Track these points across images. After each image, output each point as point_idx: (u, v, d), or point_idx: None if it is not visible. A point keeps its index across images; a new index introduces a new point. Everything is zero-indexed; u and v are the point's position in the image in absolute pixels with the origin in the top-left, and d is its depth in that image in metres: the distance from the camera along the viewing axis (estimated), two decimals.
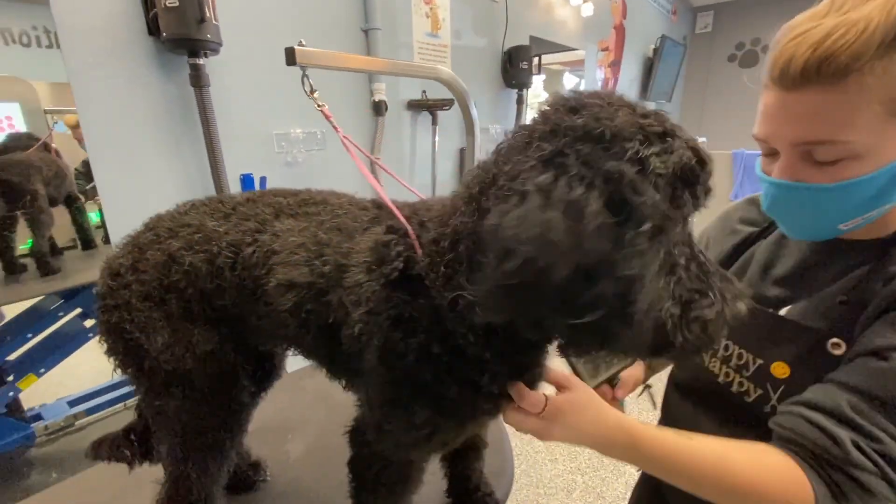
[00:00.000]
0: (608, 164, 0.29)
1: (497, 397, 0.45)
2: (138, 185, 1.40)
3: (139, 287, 0.50)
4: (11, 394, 1.65)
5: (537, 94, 4.20)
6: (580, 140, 0.30)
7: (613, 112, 0.32)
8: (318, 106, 0.65)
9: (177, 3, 1.26)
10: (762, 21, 5.20)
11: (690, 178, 0.33)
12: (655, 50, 4.64)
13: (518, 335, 0.37)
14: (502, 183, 0.32)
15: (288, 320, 0.46)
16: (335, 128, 0.60)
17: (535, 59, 2.81)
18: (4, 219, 1.63)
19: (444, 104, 2.23)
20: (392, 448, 0.48)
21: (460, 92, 0.97)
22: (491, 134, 2.78)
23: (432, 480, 0.71)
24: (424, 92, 2.28)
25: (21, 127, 2.20)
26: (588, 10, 3.44)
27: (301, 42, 0.66)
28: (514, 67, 2.74)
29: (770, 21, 5.11)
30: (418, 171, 2.38)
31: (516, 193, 0.30)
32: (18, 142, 1.74)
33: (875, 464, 0.43)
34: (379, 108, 2.01)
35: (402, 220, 0.42)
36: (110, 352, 0.51)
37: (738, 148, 3.66)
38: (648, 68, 4.72)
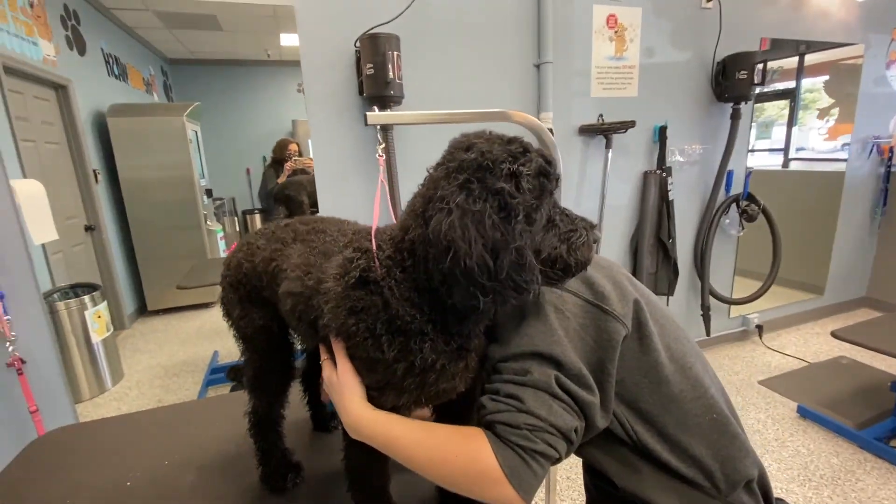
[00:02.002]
0: (494, 184, 0.47)
1: (426, 369, 0.56)
2: (343, 203, 1.93)
3: (229, 279, 0.80)
4: None
5: (815, 100, 3.38)
6: (476, 170, 0.48)
7: (491, 145, 0.49)
8: (379, 155, 0.87)
9: (372, 71, 1.70)
10: None
11: (546, 172, 0.50)
12: None
13: (455, 311, 0.53)
14: (435, 202, 0.49)
15: (290, 315, 0.67)
16: (381, 178, 0.81)
17: (761, 66, 2.34)
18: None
19: (621, 127, 2.14)
20: None
21: (540, 133, 1.03)
22: (687, 153, 2.46)
23: None
24: (601, 116, 2.24)
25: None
26: None
27: (374, 108, 0.89)
28: (730, 79, 2.37)
29: None
30: (587, 193, 2.34)
31: (446, 208, 0.48)
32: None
33: (506, 403, 0.54)
34: None
35: (374, 243, 0.59)
36: (224, 316, 0.84)
37: None
38: None
